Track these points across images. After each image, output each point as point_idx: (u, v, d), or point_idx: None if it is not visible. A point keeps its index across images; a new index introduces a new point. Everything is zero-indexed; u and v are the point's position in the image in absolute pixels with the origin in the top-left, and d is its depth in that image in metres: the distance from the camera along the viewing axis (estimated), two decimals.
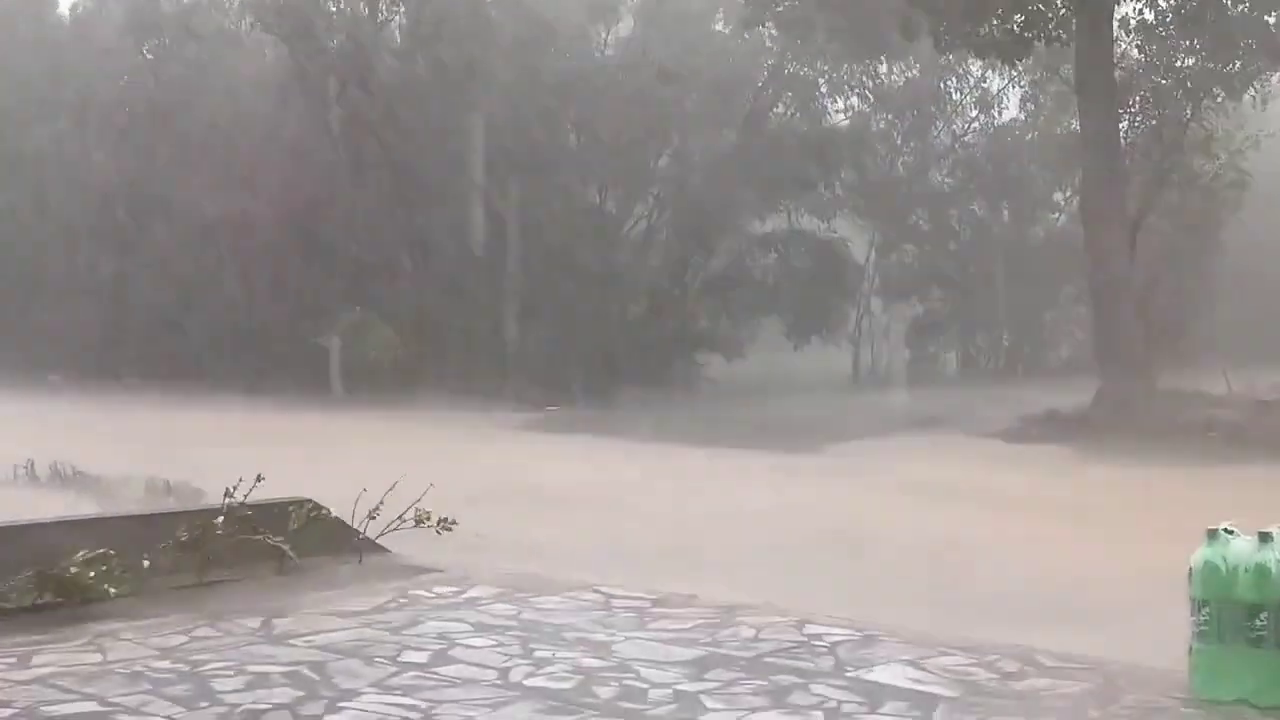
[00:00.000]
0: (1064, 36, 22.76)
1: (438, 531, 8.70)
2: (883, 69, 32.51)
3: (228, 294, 30.32)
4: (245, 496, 8.01)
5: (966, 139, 33.94)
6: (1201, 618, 5.61)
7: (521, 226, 29.62)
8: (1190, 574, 5.67)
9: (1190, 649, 5.70)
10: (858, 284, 33.63)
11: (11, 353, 29.58)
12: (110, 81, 32.77)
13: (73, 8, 34.43)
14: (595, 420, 23.59)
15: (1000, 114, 33.57)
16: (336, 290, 29.78)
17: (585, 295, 29.99)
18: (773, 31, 29.46)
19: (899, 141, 33.93)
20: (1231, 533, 5.62)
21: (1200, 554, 5.63)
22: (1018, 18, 22.17)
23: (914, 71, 32.50)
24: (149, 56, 32.57)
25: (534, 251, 29.51)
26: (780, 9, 25.40)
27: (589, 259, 30.31)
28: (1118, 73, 23.47)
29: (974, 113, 33.89)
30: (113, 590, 7.11)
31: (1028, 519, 11.96)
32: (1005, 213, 33.87)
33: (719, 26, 31.88)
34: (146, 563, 7.38)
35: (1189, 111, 23.57)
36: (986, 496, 13.87)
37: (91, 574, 7.08)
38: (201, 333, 29.99)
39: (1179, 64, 23.64)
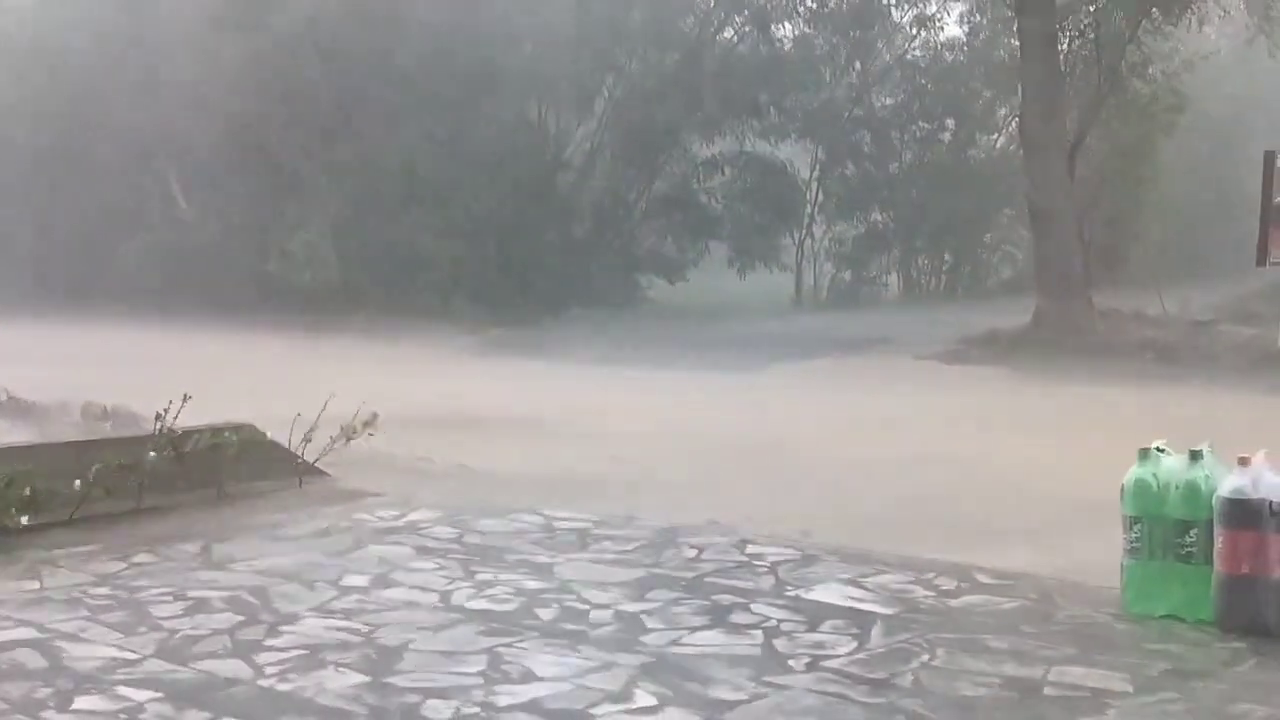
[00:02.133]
0: None
1: (369, 435, 8.67)
2: None
3: (164, 215, 29.89)
4: (176, 419, 7.91)
5: (908, 58, 33.84)
6: (1133, 535, 5.71)
7: (462, 147, 29.30)
8: (1123, 492, 5.76)
9: (1122, 565, 5.82)
10: (800, 206, 33.62)
11: None
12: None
13: None
14: (536, 342, 23.56)
15: (940, 32, 33.48)
16: (274, 212, 29.43)
17: (527, 216, 29.80)
18: None
19: (843, 62, 33.79)
20: (1163, 451, 5.71)
21: (1132, 472, 5.72)
22: None
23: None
24: None
25: (474, 172, 29.23)
26: None
27: (531, 179, 30.07)
28: None
29: (914, 31, 33.76)
30: (40, 482, 7.02)
31: (963, 438, 12.10)
32: (946, 134, 33.88)
33: None
34: (77, 484, 7.30)
35: (1127, 34, 23.60)
36: (923, 415, 14.01)
37: (12, 483, 6.99)
38: (136, 254, 29.60)
39: None
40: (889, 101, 34.20)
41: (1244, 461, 5.41)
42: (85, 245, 30.60)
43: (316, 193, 29.22)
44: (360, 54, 29.15)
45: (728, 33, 32.89)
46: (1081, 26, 24.19)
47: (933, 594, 6.13)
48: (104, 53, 30.83)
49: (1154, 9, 22.95)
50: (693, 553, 6.93)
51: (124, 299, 27.84)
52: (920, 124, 33.80)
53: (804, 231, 33.66)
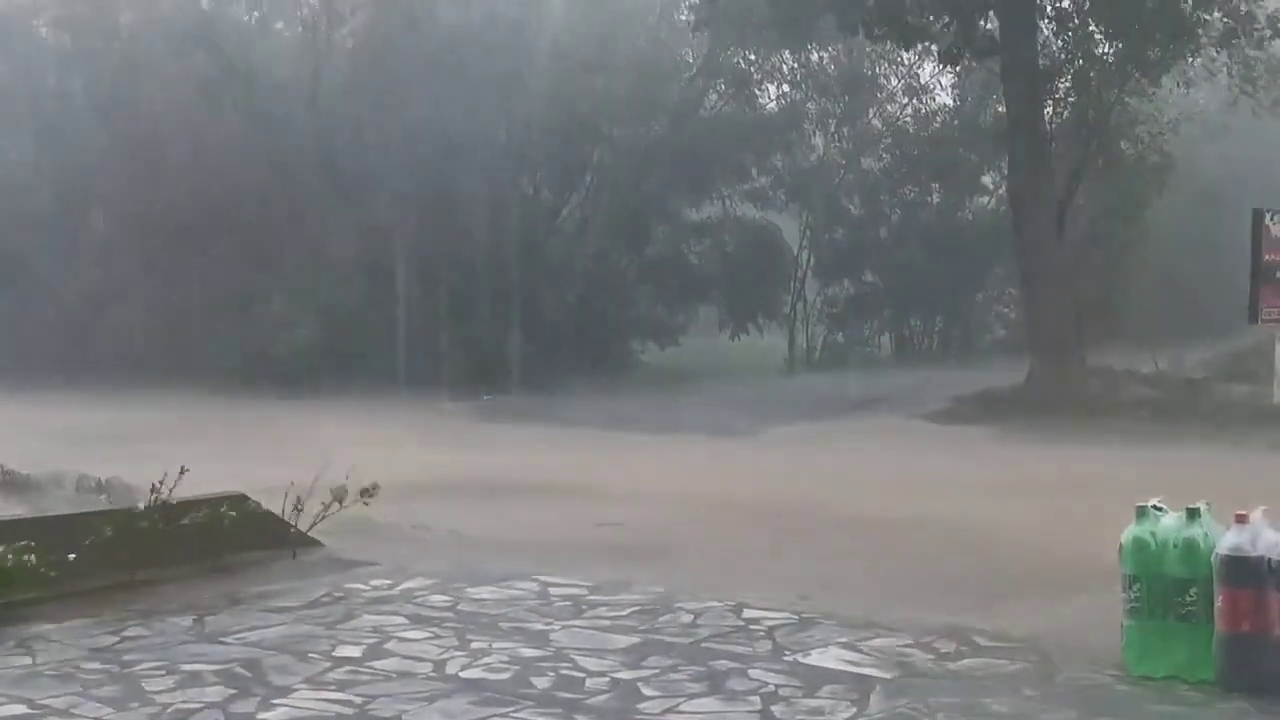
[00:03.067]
0: (989, 27, 23.06)
1: (365, 503, 8.62)
2: (814, 56, 32.63)
3: (156, 288, 29.91)
4: (171, 491, 7.87)
5: (898, 124, 34.17)
6: (1133, 594, 5.68)
7: (454, 216, 29.43)
8: (1121, 550, 5.73)
9: (1123, 625, 5.78)
10: (791, 269, 33.77)
11: None
12: (39, 77, 32.27)
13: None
14: (530, 408, 23.51)
15: (932, 100, 33.85)
16: (262, 282, 29.49)
17: (518, 283, 29.88)
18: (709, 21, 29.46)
19: (832, 127, 34.09)
20: (1160, 510, 5.69)
21: (1130, 531, 5.70)
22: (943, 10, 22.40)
23: (844, 58, 32.63)
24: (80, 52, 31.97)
25: (467, 240, 29.34)
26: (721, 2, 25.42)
27: (522, 247, 30.19)
28: (1041, 60, 23.73)
29: (904, 99, 34.15)
30: (33, 555, 6.95)
31: (960, 499, 12.04)
32: (935, 196, 34.11)
33: (651, 18, 31.77)
34: (72, 556, 7.24)
35: (1111, 97, 23.86)
36: (918, 477, 13.96)
37: (9, 558, 6.93)
38: (128, 327, 29.57)
39: (1098, 51, 23.93)
40: (877, 165, 34.46)
41: (1242, 519, 5.39)
42: (73, 318, 30.55)
43: (306, 263, 29.32)
44: (348, 125, 29.40)
45: (712, 97, 33.17)
46: (1066, 90, 24.43)
47: (932, 657, 6.09)
48: (89, 126, 31.01)
49: (1137, 73, 23.20)
50: (689, 618, 6.88)
51: (112, 371, 27.77)
52: (909, 187, 34.04)
53: (795, 294, 33.78)
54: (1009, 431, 18.70)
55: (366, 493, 8.65)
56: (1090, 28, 23.50)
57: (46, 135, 31.46)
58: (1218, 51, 23.00)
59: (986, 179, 32.97)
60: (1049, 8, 23.70)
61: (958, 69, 29.78)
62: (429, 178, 29.35)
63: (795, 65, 33.01)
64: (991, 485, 13.24)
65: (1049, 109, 24.21)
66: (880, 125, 34.52)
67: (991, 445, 17.63)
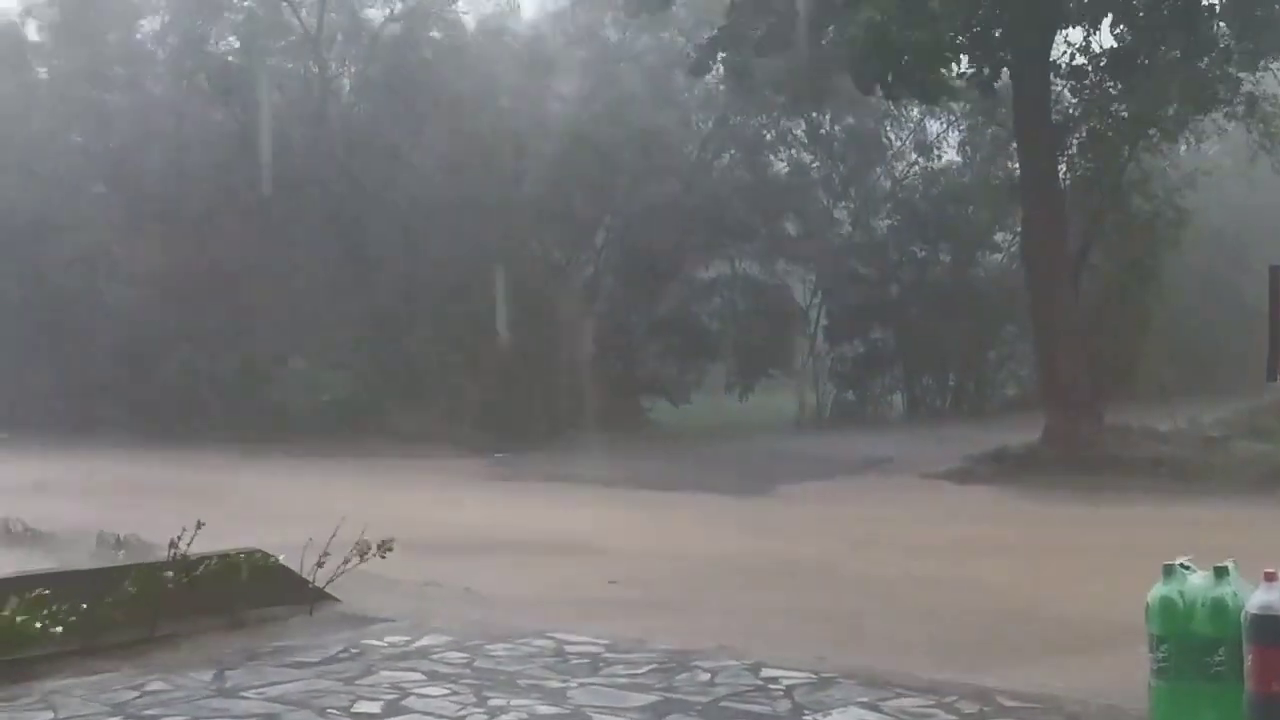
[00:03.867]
0: (1001, 81, 23.14)
1: (381, 556, 8.60)
2: (824, 117, 32.85)
3: (175, 345, 30.02)
4: (189, 546, 7.86)
5: (906, 182, 34.33)
6: (1160, 654, 5.62)
7: (464, 274, 29.55)
8: (1147, 610, 5.68)
9: (1150, 686, 5.71)
10: (800, 328, 33.80)
11: None
12: (59, 134, 32.59)
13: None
14: (542, 466, 23.47)
15: (940, 158, 33.99)
16: (278, 338, 29.62)
17: (529, 341, 29.93)
18: (720, 86, 29.72)
19: (839, 186, 34.26)
20: (1188, 568, 5.64)
21: (1157, 590, 5.64)
22: (965, 64, 22.46)
23: (850, 119, 32.83)
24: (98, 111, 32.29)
25: (477, 300, 29.44)
26: (725, 55, 25.51)
27: (531, 305, 30.29)
28: (1054, 116, 23.82)
29: (914, 157, 34.32)
30: (56, 629, 6.94)
31: (977, 559, 11.98)
32: (945, 254, 34.16)
33: (669, 80, 32.01)
34: (84, 606, 7.22)
35: (1126, 152, 23.92)
36: (934, 537, 13.89)
37: (35, 622, 6.91)
38: (148, 385, 29.68)
39: (1113, 108, 24.01)
40: (887, 223, 34.57)
41: (1271, 577, 5.33)
42: (95, 375, 30.67)
43: (320, 319, 29.45)
44: (364, 185, 29.64)
45: (724, 159, 33.38)
46: (1080, 145, 24.50)
47: (954, 718, 6.02)
48: (104, 180, 31.30)
49: (1151, 129, 23.26)
50: (706, 676, 6.83)
51: (133, 428, 27.88)
52: (919, 245, 34.11)
53: (805, 352, 33.79)
54: (1025, 490, 18.60)
55: (383, 546, 8.63)
56: (1106, 84, 23.57)
57: (62, 191, 31.69)
58: (1239, 112, 23.02)
59: (999, 236, 33.01)
60: (1064, 64, 23.79)
61: (962, 127, 29.94)
62: (440, 238, 29.56)
63: (805, 129, 33.22)
64: (1008, 544, 13.17)
65: (1062, 165, 24.26)
66: (888, 184, 34.67)
67: (1007, 504, 17.53)
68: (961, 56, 22.21)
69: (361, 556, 8.60)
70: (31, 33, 33.80)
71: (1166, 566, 5.66)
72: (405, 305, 29.55)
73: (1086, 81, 23.79)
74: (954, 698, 6.34)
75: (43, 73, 33.71)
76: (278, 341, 29.67)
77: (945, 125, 32.92)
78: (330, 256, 29.61)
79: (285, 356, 29.28)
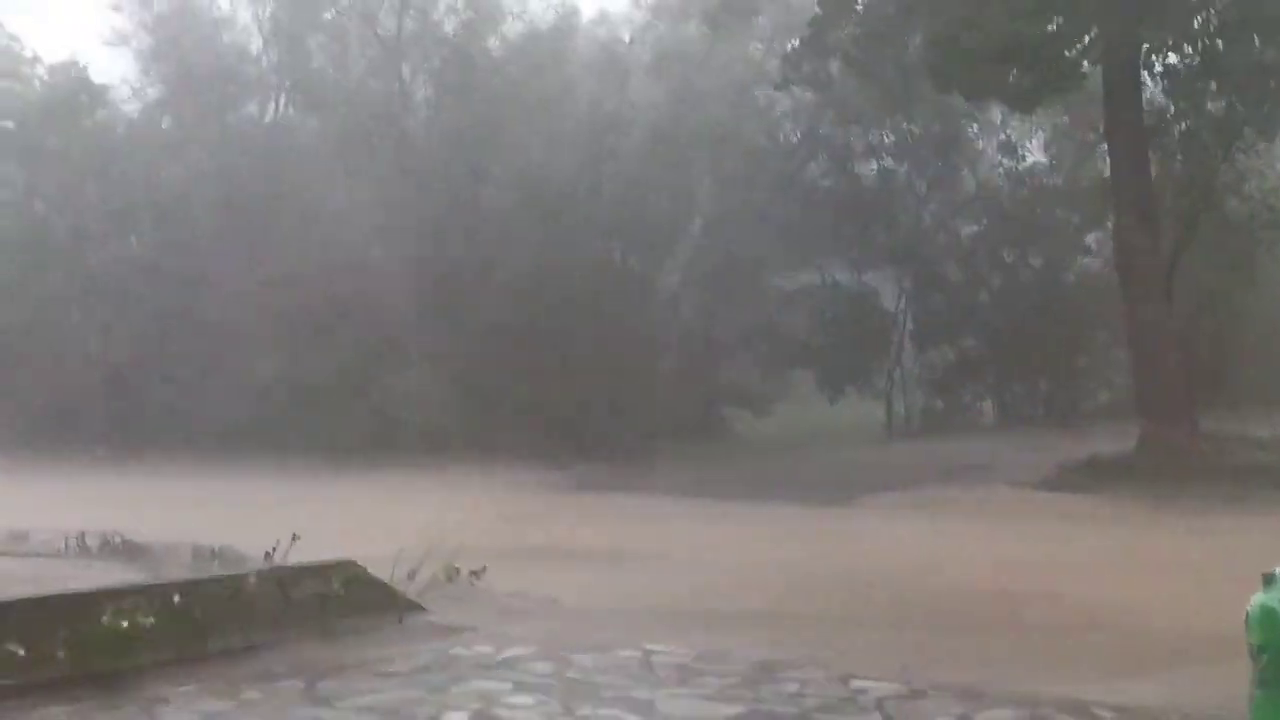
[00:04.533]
0: (1089, 83, 22.78)
1: (471, 583, 8.66)
2: (911, 125, 32.57)
3: (267, 358, 30.53)
4: (284, 557, 7.98)
5: (992, 185, 33.85)
6: (1261, 664, 5.47)
7: (550, 287, 29.69)
8: (1247, 619, 5.54)
9: (1250, 697, 5.57)
10: (889, 334, 33.48)
11: (56, 428, 29.98)
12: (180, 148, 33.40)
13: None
14: (627, 477, 23.51)
15: (1025, 159, 33.52)
16: (371, 355, 29.96)
17: (614, 352, 30.00)
18: (806, 94, 29.63)
19: (925, 191, 33.92)
20: None
21: (1257, 599, 5.50)
22: (1044, 67, 22.13)
23: (936, 126, 32.49)
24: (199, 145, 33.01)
25: (565, 310, 29.57)
26: (807, 69, 25.46)
27: (618, 316, 30.37)
28: (1146, 117, 23.41)
29: (998, 159, 33.89)
30: (150, 621, 7.06)
31: (1069, 570, 11.78)
32: (1035, 258, 33.67)
33: (753, 89, 31.97)
34: (180, 616, 7.34)
35: (1220, 154, 23.44)
36: (1024, 547, 13.68)
37: (124, 623, 7.05)
38: (245, 398, 30.15)
39: (1208, 107, 23.53)
40: (974, 229, 34.15)
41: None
42: (196, 388, 31.26)
43: (405, 333, 29.76)
44: (453, 202, 29.92)
45: (811, 167, 33.23)
46: (1172, 148, 24.05)
47: None
48: (217, 200, 31.94)
49: (1246, 128, 22.77)
50: (794, 687, 6.76)
51: (230, 441, 28.37)
52: (1008, 250, 33.65)
53: (893, 359, 33.46)
54: (1119, 499, 18.27)
55: (475, 575, 8.70)
56: (1201, 84, 23.09)
57: (168, 219, 32.40)
58: None
59: (1090, 239, 32.47)
60: (1156, 65, 23.35)
61: (1048, 127, 29.50)
62: (522, 250, 29.74)
63: (891, 136, 32.97)
64: (1103, 556, 12.94)
65: (1154, 166, 23.82)
66: (975, 188, 34.24)
67: (1100, 513, 17.23)
68: (1043, 58, 21.89)
69: (450, 579, 8.67)
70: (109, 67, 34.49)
71: (1266, 575, 5.51)
72: (489, 318, 29.75)
73: (1179, 81, 23.33)
74: (1049, 710, 6.22)
75: (132, 110, 34.36)
76: (366, 356, 30.01)
77: (1031, 126, 32.44)
78: (414, 271, 29.90)
79: (373, 370, 29.60)
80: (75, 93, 33.81)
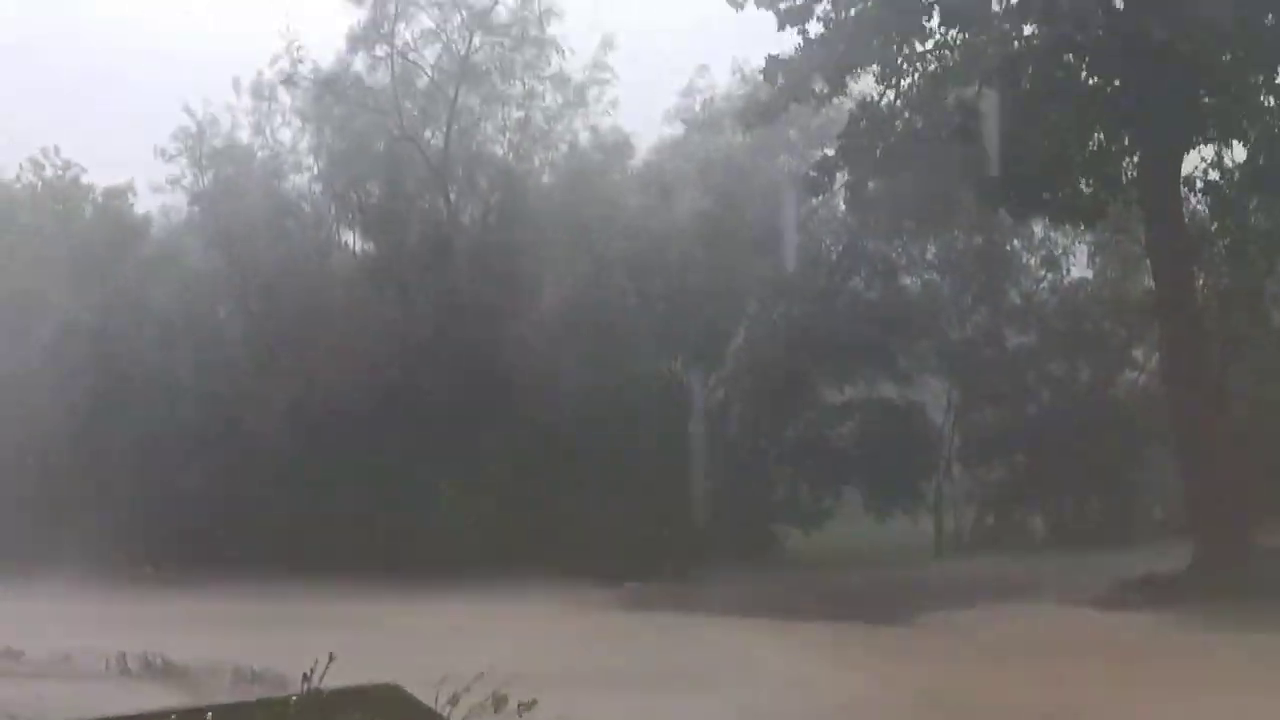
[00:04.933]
0: (1133, 198, 22.78)
1: (520, 715, 8.48)
2: (954, 235, 32.62)
3: (315, 476, 30.62)
4: (321, 679, 7.85)
5: (1037, 299, 33.68)
6: None
7: (598, 402, 29.72)
8: None
9: None
10: (936, 450, 33.18)
11: (102, 547, 30.15)
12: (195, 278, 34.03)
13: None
14: (676, 595, 23.25)
15: (1069, 272, 33.38)
16: (415, 470, 29.97)
17: (662, 467, 29.89)
18: (840, 207, 29.88)
19: (970, 304, 33.81)
20: None
21: None
22: (1088, 181, 22.20)
23: (977, 239, 32.49)
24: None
25: (613, 424, 29.56)
26: (843, 175, 25.55)
27: (665, 430, 30.32)
28: (1189, 229, 23.36)
29: (1044, 273, 33.72)
30: None
31: (1126, 689, 11.48)
32: (1083, 372, 33.41)
33: (796, 203, 32.20)
34: None
35: (1265, 266, 23.32)
36: (1079, 667, 13.38)
37: None
38: (290, 515, 30.16)
39: (1251, 221, 23.48)
40: (1022, 342, 33.96)
41: None
42: (234, 507, 31.35)
43: (457, 451, 29.79)
44: (488, 311, 30.13)
45: (854, 281, 33.25)
46: (1217, 261, 23.97)
47: None
48: (261, 328, 32.40)
49: None
50: None
51: (271, 560, 28.30)
52: (1056, 363, 33.43)
53: (941, 475, 33.12)
54: (1174, 618, 17.81)
55: (525, 707, 8.53)
56: (1244, 199, 23.07)
57: (211, 344, 32.86)
58: None
59: (1138, 352, 32.22)
60: (1198, 179, 23.36)
61: (1090, 240, 29.50)
62: (569, 363, 29.85)
63: (935, 250, 33.03)
64: (1158, 676, 12.62)
65: (1200, 278, 23.71)
66: (1020, 301, 34.06)
67: (1155, 633, 16.84)
68: (1086, 174, 21.98)
69: (497, 709, 8.51)
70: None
71: None
72: (536, 432, 29.77)
73: (1222, 196, 23.33)
74: None
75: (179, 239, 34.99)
76: (413, 473, 30.02)
77: (1072, 239, 32.36)
78: (461, 384, 30.02)
79: (419, 488, 29.59)
80: (121, 224, 34.53)
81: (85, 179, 36.95)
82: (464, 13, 32.48)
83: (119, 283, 33.56)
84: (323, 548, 28.80)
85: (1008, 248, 33.22)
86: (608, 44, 32.67)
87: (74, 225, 35.68)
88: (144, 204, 35.74)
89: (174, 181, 34.78)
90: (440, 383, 30.13)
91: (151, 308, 33.47)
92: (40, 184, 37.19)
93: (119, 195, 35.95)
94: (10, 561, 29.54)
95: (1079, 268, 33.25)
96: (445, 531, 28.20)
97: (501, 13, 32.60)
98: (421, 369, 30.30)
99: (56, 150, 36.99)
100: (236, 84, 34.13)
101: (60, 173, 37.08)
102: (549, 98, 33.36)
